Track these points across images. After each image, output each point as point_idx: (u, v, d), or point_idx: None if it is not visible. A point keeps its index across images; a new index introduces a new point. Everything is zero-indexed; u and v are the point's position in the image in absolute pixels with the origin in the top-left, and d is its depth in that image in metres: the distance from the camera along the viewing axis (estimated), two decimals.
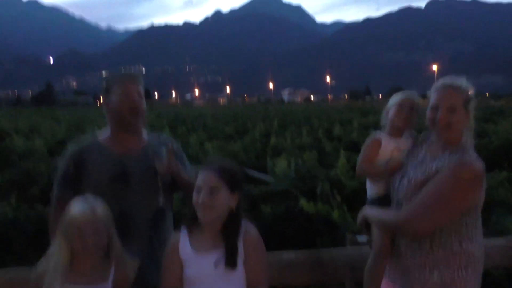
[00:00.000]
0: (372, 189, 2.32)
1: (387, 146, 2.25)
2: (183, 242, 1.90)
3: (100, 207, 1.88)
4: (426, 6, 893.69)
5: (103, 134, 2.36)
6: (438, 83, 2.01)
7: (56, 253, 1.84)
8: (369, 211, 2.21)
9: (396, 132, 2.27)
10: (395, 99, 2.26)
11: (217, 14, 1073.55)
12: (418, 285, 1.97)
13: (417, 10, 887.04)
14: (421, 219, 1.88)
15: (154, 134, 2.49)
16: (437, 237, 1.92)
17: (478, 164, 1.87)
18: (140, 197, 2.21)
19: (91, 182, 2.19)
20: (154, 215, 2.27)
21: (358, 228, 2.34)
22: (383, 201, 2.21)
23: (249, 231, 1.91)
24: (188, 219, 1.92)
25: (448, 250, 1.92)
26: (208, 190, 1.81)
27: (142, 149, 2.31)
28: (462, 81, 1.97)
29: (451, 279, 1.91)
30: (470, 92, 1.95)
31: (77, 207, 1.85)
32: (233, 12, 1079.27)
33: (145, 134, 2.40)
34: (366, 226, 2.22)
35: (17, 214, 4.61)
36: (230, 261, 1.82)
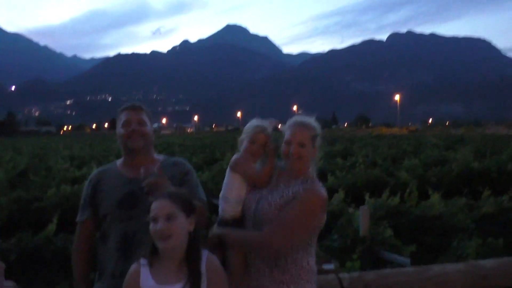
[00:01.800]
0: (226, 211, 2.31)
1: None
2: (144, 274, 1.86)
3: None
4: (388, 38, 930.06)
5: (120, 160, 2.54)
6: (291, 121, 2.30)
7: None
8: (227, 231, 2.23)
9: (252, 159, 2.37)
10: (248, 131, 2.37)
11: (185, 43, 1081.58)
12: None
13: (379, 42, 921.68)
14: (283, 237, 2.09)
15: (171, 158, 2.59)
16: (291, 254, 2.15)
17: (324, 192, 2.21)
18: (144, 220, 2.22)
19: (104, 205, 2.35)
20: None
21: (210, 247, 2.23)
22: (237, 223, 2.28)
23: (210, 259, 1.93)
24: (147, 251, 1.89)
25: (299, 266, 2.16)
26: (165, 218, 1.80)
27: (152, 173, 2.35)
28: (311, 120, 2.29)
29: None
30: (317, 129, 2.27)
31: None
32: (200, 42, 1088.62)
33: (160, 158, 2.54)
34: (216, 245, 2.22)
35: None
36: (193, 285, 1.82)
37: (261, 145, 2.33)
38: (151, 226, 1.82)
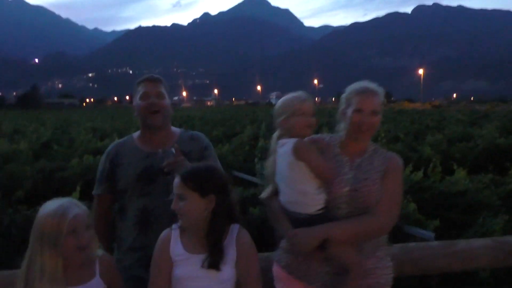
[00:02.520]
0: (307, 205, 1.96)
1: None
2: (174, 241, 1.89)
3: (75, 207, 1.78)
4: (413, 11, 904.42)
5: (137, 133, 2.48)
6: (358, 87, 2.04)
7: (39, 260, 1.73)
8: (333, 229, 1.92)
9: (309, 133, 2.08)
10: (290, 105, 2.04)
11: (205, 16, 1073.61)
12: (376, 272, 2.01)
13: (404, 15, 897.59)
14: (395, 215, 1.97)
15: (187, 132, 2.55)
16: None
17: None
18: (163, 194, 2.20)
19: (122, 179, 2.32)
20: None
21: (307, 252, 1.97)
22: (324, 216, 1.95)
23: (241, 235, 1.92)
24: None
25: (381, 238, 2.06)
26: (177, 197, 1.84)
27: (169, 147, 2.34)
28: (377, 87, 2.05)
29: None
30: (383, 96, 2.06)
31: (56, 206, 1.75)
32: (221, 15, 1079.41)
33: (177, 131, 2.49)
34: (320, 250, 1.93)
35: (2, 217, 4.52)
36: (213, 264, 1.82)
37: (311, 114, 2.04)
38: (173, 203, 1.88)
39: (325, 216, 1.95)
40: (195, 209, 1.84)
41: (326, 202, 1.97)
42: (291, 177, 1.99)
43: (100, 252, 1.92)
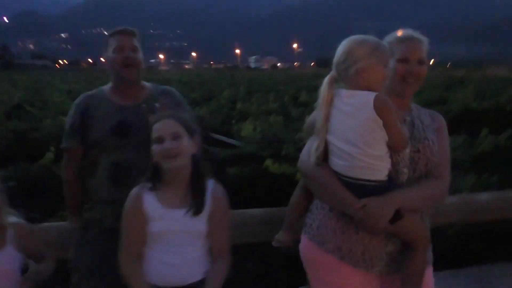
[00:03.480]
0: (378, 171, 1.67)
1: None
2: (148, 197, 1.83)
3: None
4: None
5: (108, 86, 2.41)
6: (403, 35, 1.84)
7: None
8: (403, 197, 1.67)
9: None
10: (381, 50, 1.69)
11: None
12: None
13: None
14: (450, 179, 1.85)
15: (159, 86, 2.50)
16: None
17: None
18: (136, 149, 2.18)
19: (95, 132, 2.26)
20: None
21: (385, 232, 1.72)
22: (392, 183, 1.71)
23: (216, 189, 1.91)
24: (150, 174, 1.86)
25: None
26: (171, 137, 1.78)
27: (143, 101, 2.32)
28: (420, 35, 1.86)
29: None
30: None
31: None
32: None
33: (148, 86, 2.44)
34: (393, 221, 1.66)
35: None
36: (198, 211, 1.80)
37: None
38: (155, 147, 1.79)
39: (393, 182, 1.71)
40: (187, 149, 1.81)
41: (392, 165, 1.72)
42: (364, 136, 1.64)
43: (13, 219, 1.84)
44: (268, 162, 4.21)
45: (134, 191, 1.87)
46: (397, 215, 1.64)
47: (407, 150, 1.74)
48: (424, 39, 1.84)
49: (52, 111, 10.12)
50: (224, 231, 1.91)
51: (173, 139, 1.78)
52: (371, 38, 1.71)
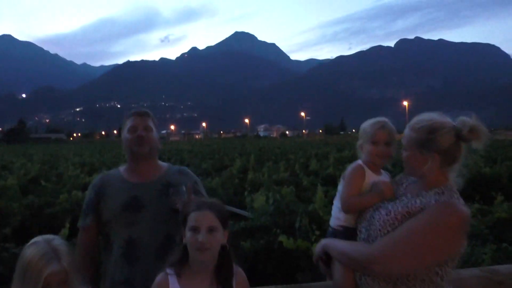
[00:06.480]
0: (338, 219, 2.07)
1: (369, 178, 2.05)
2: (173, 284, 1.79)
3: (64, 250, 1.73)
4: (396, 44, 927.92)
5: (124, 166, 2.52)
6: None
7: None
8: (331, 242, 1.96)
9: (375, 167, 2.10)
10: (369, 131, 2.08)
11: (193, 50, 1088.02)
12: None
13: (388, 48, 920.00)
14: (398, 257, 1.65)
15: (174, 166, 2.58)
16: (412, 284, 1.72)
17: (465, 209, 1.68)
18: (150, 224, 2.25)
19: (107, 210, 2.31)
20: (163, 243, 2.26)
21: (314, 262, 2.08)
22: (349, 234, 1.99)
23: (239, 272, 1.91)
24: (176, 260, 1.83)
25: None
26: (207, 230, 1.76)
27: (156, 178, 2.39)
28: (419, 118, 1.87)
29: None
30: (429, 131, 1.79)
31: (40, 252, 1.68)
32: (209, 49, 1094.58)
33: (164, 165, 2.52)
34: (325, 260, 2.00)
35: None
36: None
37: (384, 142, 2.06)
38: (190, 236, 1.77)
39: (348, 233, 2.01)
40: (219, 241, 1.80)
41: (355, 223, 2.02)
42: (338, 192, 2.12)
43: None
44: (283, 238, 4.19)
45: (158, 278, 1.83)
46: (328, 258, 1.98)
47: (368, 215, 1.91)
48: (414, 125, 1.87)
49: (67, 185, 10.26)
50: None
51: (209, 232, 1.77)
52: (371, 120, 2.13)
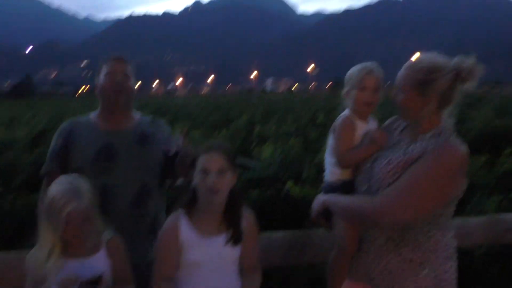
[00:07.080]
0: (333, 173, 2.02)
1: (360, 129, 2.00)
2: (184, 225, 1.83)
3: (85, 189, 1.81)
4: None
5: (95, 113, 2.42)
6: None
7: (44, 243, 1.77)
8: (330, 198, 1.93)
9: (362, 115, 2.03)
10: (356, 77, 1.98)
11: (197, 4, 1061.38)
12: (406, 285, 1.74)
13: (396, 2, 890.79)
14: (405, 206, 1.65)
15: (146, 117, 2.52)
16: (420, 227, 1.72)
17: (464, 148, 1.71)
18: (124, 173, 2.22)
19: (78, 157, 2.24)
20: (138, 192, 2.26)
21: (312, 220, 2.05)
22: (347, 187, 1.97)
23: (248, 215, 1.93)
24: (186, 202, 1.87)
25: (433, 241, 1.74)
26: (217, 171, 1.78)
27: (130, 127, 2.34)
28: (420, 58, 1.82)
29: (442, 273, 1.74)
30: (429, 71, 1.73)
31: (62, 191, 1.77)
32: (212, 3, 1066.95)
33: (137, 115, 2.45)
34: (325, 216, 1.97)
35: (2, 203, 4.54)
36: (238, 241, 1.84)
37: (373, 89, 1.97)
38: (200, 178, 1.79)
39: (345, 187, 1.97)
40: (229, 183, 1.83)
41: (351, 175, 1.99)
42: (328, 146, 2.06)
43: (109, 234, 1.90)
44: (290, 184, 4.22)
45: (170, 219, 1.88)
46: (327, 213, 1.94)
47: (368, 166, 1.88)
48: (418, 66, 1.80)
49: None
50: (254, 249, 1.94)
51: (219, 174, 1.78)
52: (358, 65, 2.02)
